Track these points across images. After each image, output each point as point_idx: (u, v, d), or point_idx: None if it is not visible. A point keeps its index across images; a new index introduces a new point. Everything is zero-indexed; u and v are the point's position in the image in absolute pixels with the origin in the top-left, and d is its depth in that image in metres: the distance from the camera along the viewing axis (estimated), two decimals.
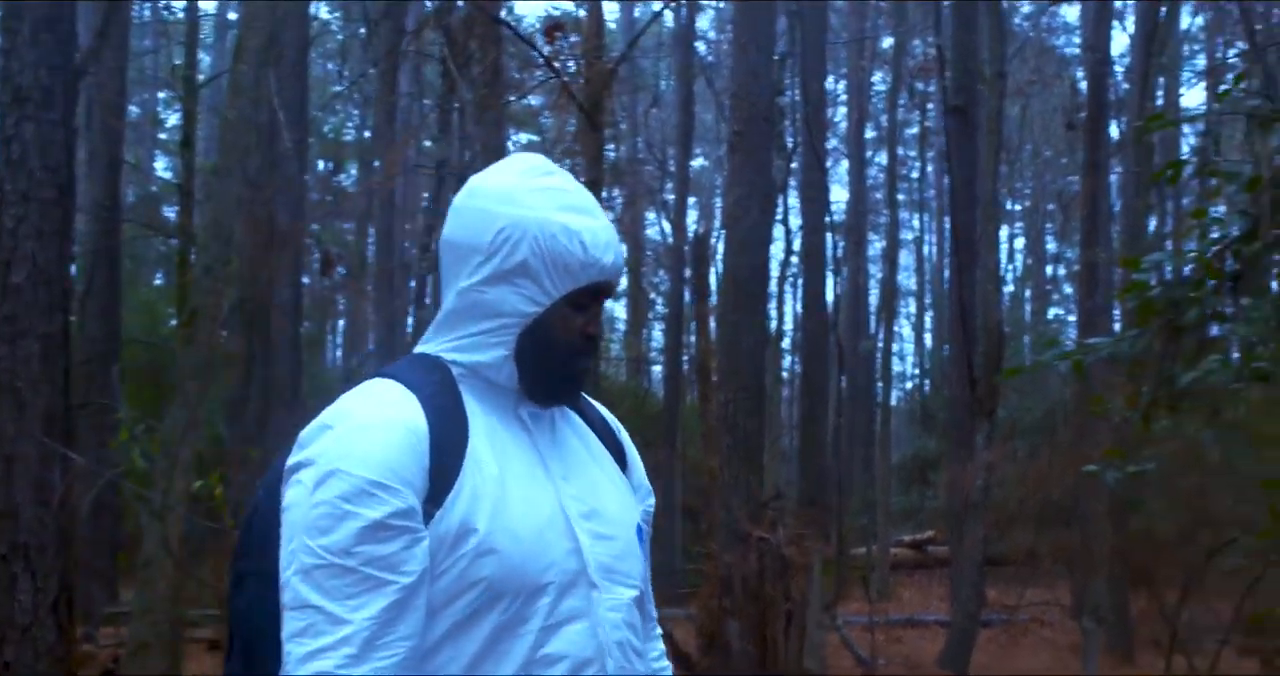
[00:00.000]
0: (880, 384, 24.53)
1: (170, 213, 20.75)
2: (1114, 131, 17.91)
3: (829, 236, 17.08)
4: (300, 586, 1.64)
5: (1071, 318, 28.04)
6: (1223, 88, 3.04)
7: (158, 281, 21.94)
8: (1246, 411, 1.92)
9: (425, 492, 1.68)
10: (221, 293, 7.46)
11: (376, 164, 17.20)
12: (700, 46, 22.43)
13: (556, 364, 1.85)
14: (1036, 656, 12.44)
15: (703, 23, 24.27)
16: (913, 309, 36.67)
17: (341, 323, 29.50)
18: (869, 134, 26.86)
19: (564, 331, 1.84)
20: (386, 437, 1.70)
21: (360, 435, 1.70)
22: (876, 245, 31.73)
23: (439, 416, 1.75)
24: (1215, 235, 1.82)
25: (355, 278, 21.58)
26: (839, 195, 33.44)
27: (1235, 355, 2.44)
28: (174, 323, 14.38)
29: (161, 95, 28.99)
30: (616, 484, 1.95)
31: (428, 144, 18.13)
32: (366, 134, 24.73)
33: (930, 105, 24.15)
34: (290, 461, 1.73)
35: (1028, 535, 15.28)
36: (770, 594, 3.82)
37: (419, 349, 1.89)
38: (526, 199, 1.82)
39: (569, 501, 1.81)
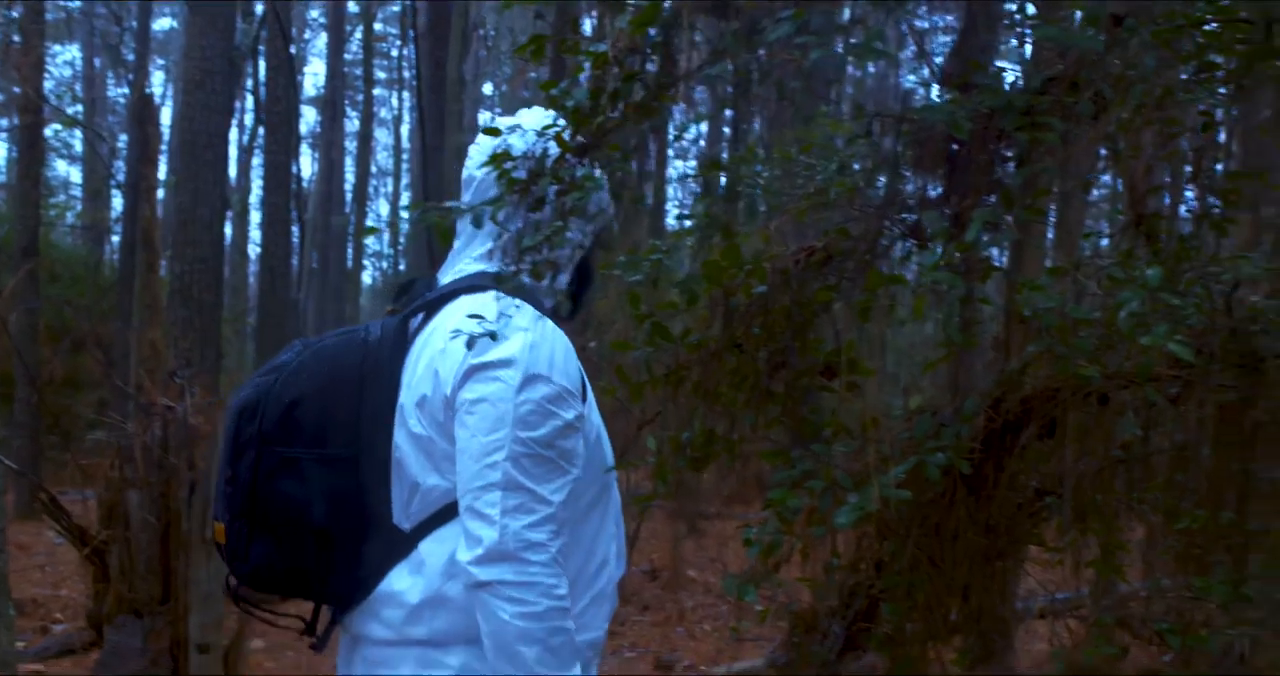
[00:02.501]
0: (352, 260, 24.36)
1: None
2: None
3: (301, 109, 16.63)
4: (512, 470, 1.94)
5: None
6: None
7: None
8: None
9: (580, 398, 2.02)
10: None
11: None
12: None
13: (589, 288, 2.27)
14: None
15: None
16: (391, 188, 36.50)
17: None
18: (352, 7, 26.18)
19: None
20: (565, 350, 2.04)
21: (547, 345, 2.01)
22: (357, 121, 31.19)
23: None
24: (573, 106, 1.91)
25: None
26: (318, 67, 32.49)
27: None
28: None
29: None
30: None
31: None
32: None
33: None
34: (476, 360, 1.97)
35: None
36: (174, 464, 3.73)
37: (480, 267, 2.17)
38: None
39: None
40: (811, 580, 2.01)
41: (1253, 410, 1.82)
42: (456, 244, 2.25)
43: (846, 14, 2.05)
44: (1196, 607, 2.61)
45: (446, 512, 2.07)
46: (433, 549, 2.06)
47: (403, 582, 2.07)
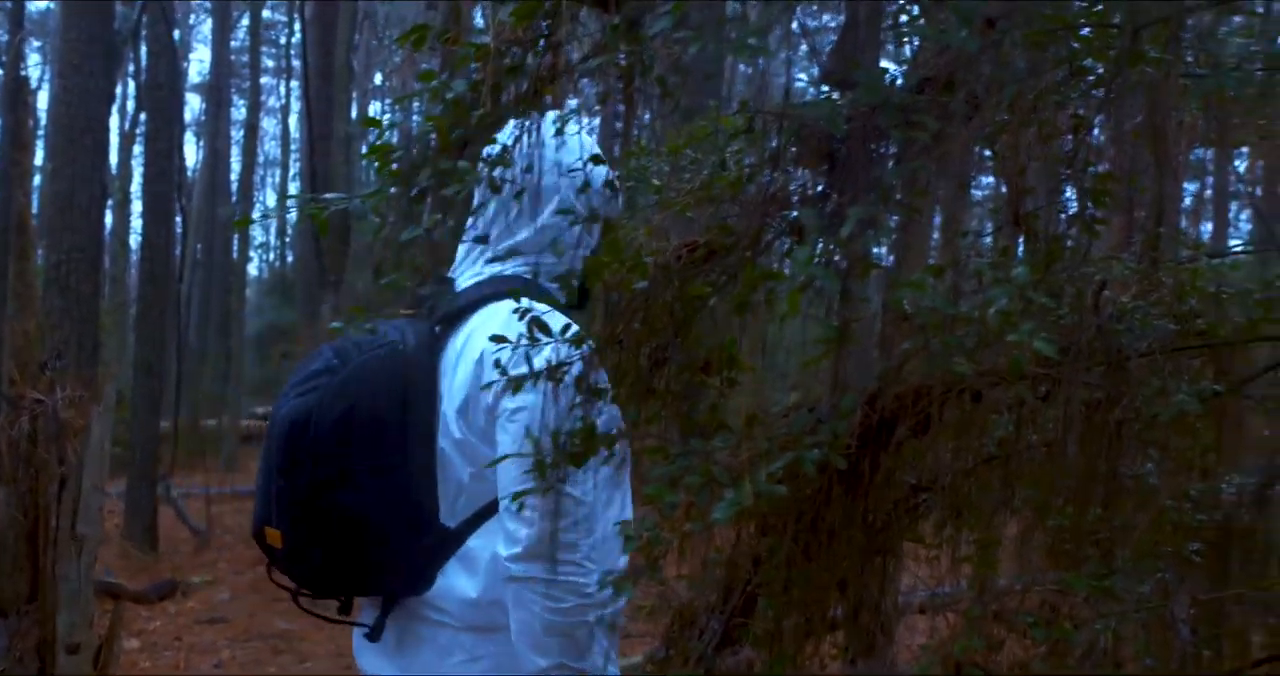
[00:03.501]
0: (238, 252, 23.90)
1: None
2: None
3: (185, 96, 16.29)
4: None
5: None
6: None
7: None
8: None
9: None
10: None
11: None
12: None
13: None
14: None
15: None
16: (279, 178, 35.88)
17: None
18: None
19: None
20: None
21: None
22: (244, 110, 30.54)
23: None
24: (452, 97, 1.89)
25: None
26: (203, 54, 31.74)
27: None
28: None
29: None
30: None
31: None
32: None
33: None
34: (515, 371, 2.01)
35: None
36: (43, 459, 3.63)
37: (496, 270, 2.33)
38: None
39: None
40: (690, 576, 2.01)
41: (1116, 408, 1.86)
42: (465, 246, 2.39)
43: (737, 9, 2.06)
44: (1066, 602, 2.67)
45: (489, 509, 2.26)
46: (481, 544, 2.26)
47: (460, 581, 2.27)
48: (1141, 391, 1.86)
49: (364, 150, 2.24)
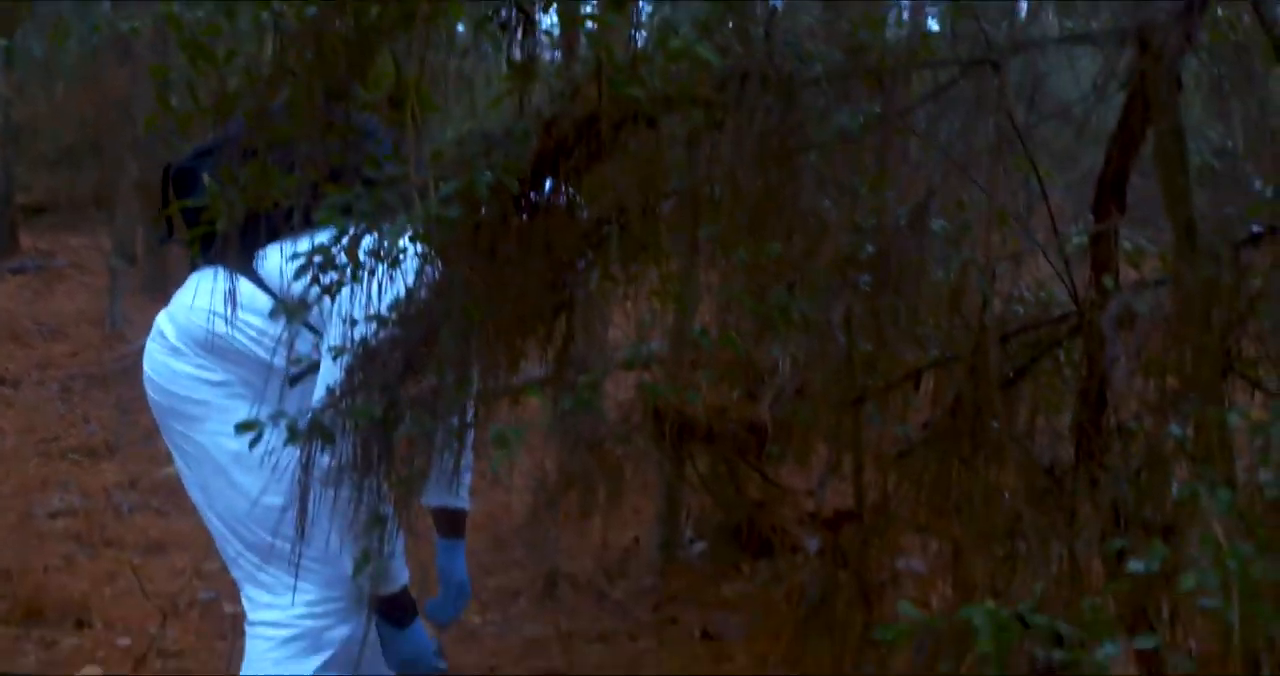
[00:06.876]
0: None
1: None
2: None
3: None
4: None
5: None
6: None
7: None
8: None
9: None
10: None
11: None
12: None
13: None
14: (71, 299, 12.28)
15: None
16: None
17: None
18: None
19: None
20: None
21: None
22: None
23: None
24: None
25: None
26: None
27: None
28: None
29: None
30: None
31: None
32: None
33: None
34: None
35: (69, 179, 14.86)
36: None
37: None
38: None
39: None
40: (370, 314, 1.99)
41: (790, 137, 1.90)
42: None
43: None
44: (763, 330, 2.76)
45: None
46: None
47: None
48: (808, 116, 1.91)
49: None
